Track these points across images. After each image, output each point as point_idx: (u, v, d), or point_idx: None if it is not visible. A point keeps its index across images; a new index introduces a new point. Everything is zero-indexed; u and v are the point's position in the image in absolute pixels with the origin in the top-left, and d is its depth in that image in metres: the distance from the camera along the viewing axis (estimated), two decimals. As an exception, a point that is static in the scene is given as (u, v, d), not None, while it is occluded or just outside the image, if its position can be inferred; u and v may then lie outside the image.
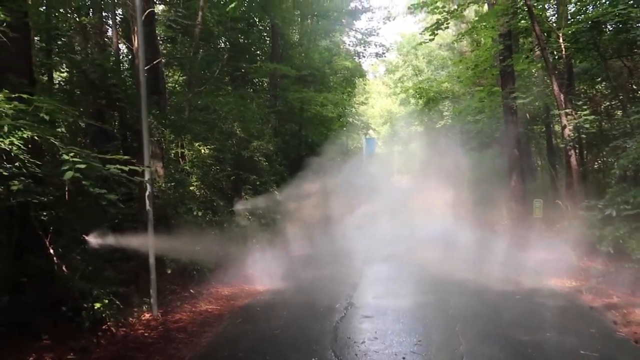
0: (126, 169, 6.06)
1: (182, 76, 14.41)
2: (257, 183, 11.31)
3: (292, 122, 19.64)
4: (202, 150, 10.54)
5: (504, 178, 17.67)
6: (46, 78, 10.46)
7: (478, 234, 13.70)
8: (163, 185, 9.39)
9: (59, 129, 7.62)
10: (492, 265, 9.81)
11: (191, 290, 8.23)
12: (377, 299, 7.78)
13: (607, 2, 13.28)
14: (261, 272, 9.64)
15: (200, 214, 8.85)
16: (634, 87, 14.68)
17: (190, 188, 9.91)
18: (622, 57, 14.31)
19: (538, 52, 16.69)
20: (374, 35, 23.22)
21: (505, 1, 14.34)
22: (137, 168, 6.46)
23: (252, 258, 9.98)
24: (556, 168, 17.44)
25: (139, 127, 7.41)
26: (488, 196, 18.46)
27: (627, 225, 9.95)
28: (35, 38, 10.58)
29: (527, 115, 16.86)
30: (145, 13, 9.50)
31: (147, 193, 7.01)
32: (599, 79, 15.30)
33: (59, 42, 10.55)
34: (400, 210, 20.87)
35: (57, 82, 11.04)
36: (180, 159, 10.71)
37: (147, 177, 6.91)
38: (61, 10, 11.40)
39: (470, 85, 22.64)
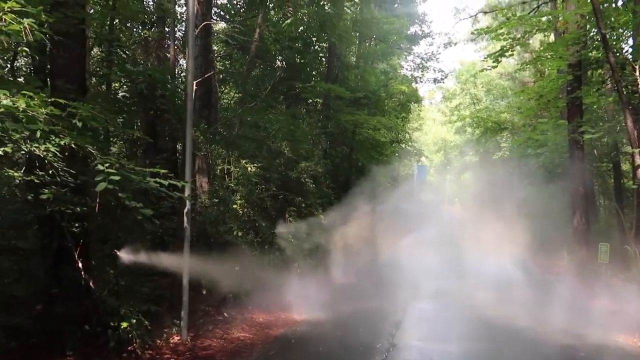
0: (165, 183, 5.81)
1: (237, 93, 14.35)
2: (303, 205, 10.92)
3: (343, 144, 19.24)
4: (249, 168, 10.25)
5: (565, 217, 16.55)
6: (104, 88, 10.54)
7: (536, 275, 12.79)
8: (207, 201, 9.15)
9: (100, 138, 7.45)
10: (552, 313, 8.95)
11: (225, 314, 7.84)
12: (422, 342, 7.13)
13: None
14: (300, 300, 9.16)
15: (240, 234, 8.51)
16: None
17: (234, 206, 9.62)
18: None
19: (609, 85, 15.71)
20: (432, 60, 22.67)
21: (576, 29, 13.54)
22: (177, 182, 6.19)
23: (291, 284, 9.52)
24: (623, 210, 16.21)
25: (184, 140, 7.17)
26: (547, 235, 17.34)
27: None
28: (96, 48, 10.77)
29: (595, 151, 15.77)
30: (200, 26, 9.41)
31: (185, 209, 6.72)
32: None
33: (121, 54, 10.64)
34: (450, 241, 20.02)
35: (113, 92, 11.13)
36: (226, 176, 10.46)
37: (186, 192, 6.61)
38: (127, 23, 11.60)
39: (532, 117, 21.68)
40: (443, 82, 25.13)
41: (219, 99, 13.98)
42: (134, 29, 12.63)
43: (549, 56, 16.48)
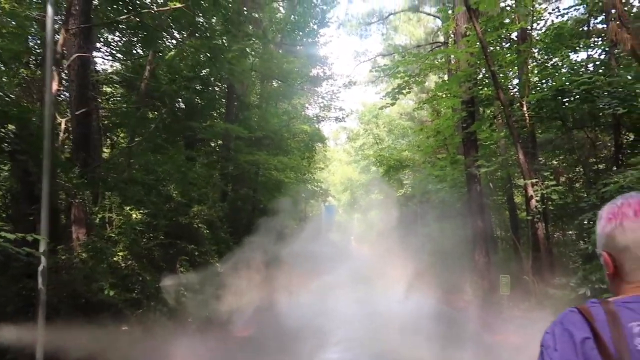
0: (11, 237, 4.81)
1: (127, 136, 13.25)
2: (196, 253, 9.96)
3: (245, 186, 18.53)
4: (133, 215, 9.20)
5: (467, 250, 16.79)
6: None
7: (442, 312, 12.57)
8: (85, 255, 7.99)
9: None
10: (462, 354, 8.60)
11: (99, 390, 6.66)
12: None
13: (572, 71, 13.10)
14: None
15: (112, 292, 7.39)
16: (596, 159, 14.35)
17: (114, 259, 8.50)
18: (585, 128, 14.07)
19: (500, 121, 16.42)
20: (335, 99, 22.83)
21: (467, 67, 14.02)
22: (28, 236, 5.18)
23: (182, 343, 8.47)
24: (520, 241, 16.74)
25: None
26: (450, 269, 17.48)
27: (604, 307, 8.99)
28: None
29: (491, 185, 16.27)
30: (72, 57, 8.45)
31: (40, 268, 5.60)
32: (561, 150, 14.99)
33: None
34: (358, 282, 19.65)
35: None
36: (108, 225, 9.32)
37: (41, 248, 5.54)
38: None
39: (431, 154, 22.31)
40: (345, 121, 25.35)
41: (105, 143, 12.81)
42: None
43: (443, 95, 17.06)
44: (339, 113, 22.78)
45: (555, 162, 15.47)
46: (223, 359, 8.62)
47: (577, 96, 11.66)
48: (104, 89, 13.85)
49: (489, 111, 17.02)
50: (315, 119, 21.45)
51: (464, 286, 15.06)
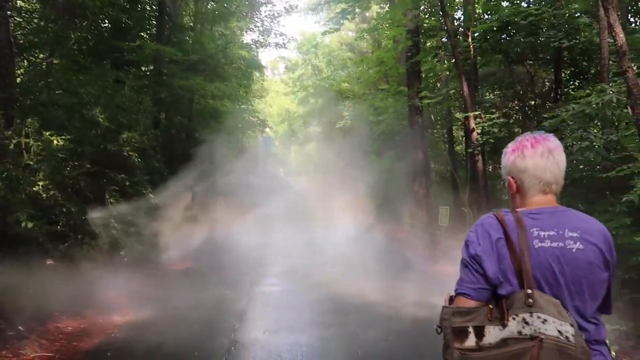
0: None
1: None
2: (127, 183, 9.25)
3: (180, 114, 17.53)
4: (55, 141, 8.30)
5: (406, 182, 16.93)
6: None
7: (381, 243, 12.67)
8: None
9: None
10: (401, 284, 8.65)
11: (20, 327, 6.11)
12: (269, 334, 6.16)
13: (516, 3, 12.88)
14: (124, 297, 7.69)
15: (30, 224, 6.69)
16: (534, 94, 14.51)
17: (34, 189, 7.69)
18: (526, 62, 14.06)
19: (444, 53, 16.19)
20: (274, 22, 21.61)
21: (414, -6, 13.49)
22: None
23: (114, 278, 7.97)
24: (457, 173, 17.04)
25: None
26: (389, 201, 17.65)
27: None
28: None
29: (432, 117, 16.21)
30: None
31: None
32: (501, 84, 15.01)
33: None
34: (297, 214, 19.55)
35: None
36: (25, 152, 8.38)
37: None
38: None
39: (372, 86, 22.01)
40: (285, 47, 24.27)
41: (21, 63, 11.44)
42: None
43: (386, 25, 16.51)
44: (279, 39, 21.71)
45: (495, 96, 15.52)
46: (159, 294, 8.20)
47: (522, 29, 11.51)
48: (17, 3, 12.26)
49: (430, 43, 16.70)
50: (253, 45, 20.29)
51: (403, 217, 15.25)
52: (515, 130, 14.14)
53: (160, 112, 14.58)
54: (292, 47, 38.58)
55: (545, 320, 1.56)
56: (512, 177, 1.89)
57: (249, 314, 7.12)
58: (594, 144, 8.27)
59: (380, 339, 5.82)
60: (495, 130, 12.25)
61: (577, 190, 9.11)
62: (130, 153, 9.22)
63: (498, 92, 15.43)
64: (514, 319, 1.59)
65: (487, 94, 15.81)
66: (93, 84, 9.72)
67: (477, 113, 12.28)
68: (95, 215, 8.36)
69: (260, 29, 20.95)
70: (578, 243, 1.70)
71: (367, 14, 26.11)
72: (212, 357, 5.37)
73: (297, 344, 5.71)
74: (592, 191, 8.69)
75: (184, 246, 11.18)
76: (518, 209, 1.82)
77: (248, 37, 22.66)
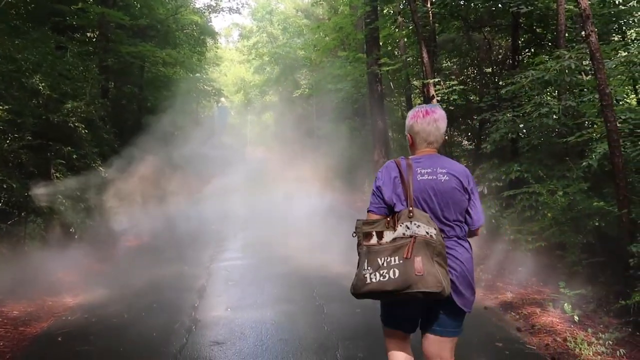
0: None
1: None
2: (74, 156, 8.68)
3: (130, 83, 16.72)
4: (-9, 112, 7.66)
5: (365, 151, 16.86)
6: None
7: (340, 213, 12.58)
8: None
9: None
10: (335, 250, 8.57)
11: (-39, 313, 5.68)
12: (231, 312, 5.93)
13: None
14: (75, 276, 7.29)
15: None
16: (491, 61, 14.52)
17: (-31, 163, 7.11)
18: (484, 29, 13.99)
19: (402, 20, 15.96)
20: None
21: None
22: None
23: (64, 257, 7.54)
24: (415, 142, 17.06)
25: None
26: (348, 170, 17.56)
27: (498, 203, 9.41)
28: None
29: (391, 84, 16.06)
30: None
31: None
32: (459, 51, 14.94)
33: None
34: (255, 185, 19.28)
35: None
36: (-41, 123, 7.72)
37: None
38: None
39: (329, 54, 21.64)
40: (240, 12, 23.63)
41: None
42: None
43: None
44: (232, 3, 20.90)
45: (452, 63, 15.47)
46: (113, 272, 7.83)
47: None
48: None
49: (388, 9, 16.41)
50: (205, 10, 19.41)
51: (362, 187, 15.20)
52: (472, 98, 14.19)
53: (108, 80, 13.82)
54: (246, 14, 37.60)
55: (419, 225, 2.48)
56: (410, 135, 2.87)
57: (210, 290, 6.85)
58: (552, 110, 8.33)
59: (347, 313, 5.71)
60: (455, 97, 12.20)
61: (536, 155, 9.20)
62: (76, 124, 8.63)
63: (456, 60, 15.38)
64: (400, 226, 2.51)
65: (445, 61, 15.74)
66: (32, 49, 9.00)
67: (436, 80, 12.18)
68: (39, 191, 7.84)
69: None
70: (445, 176, 2.65)
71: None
72: (172, 336, 5.11)
73: (262, 321, 5.52)
74: (550, 157, 8.77)
75: (138, 221, 10.73)
76: (410, 157, 2.79)
77: (200, 2, 21.66)
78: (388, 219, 2.57)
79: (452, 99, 12.31)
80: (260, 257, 8.93)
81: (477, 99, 13.46)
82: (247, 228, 12.04)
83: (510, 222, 8.34)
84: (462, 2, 12.67)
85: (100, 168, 9.45)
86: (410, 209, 2.53)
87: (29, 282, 6.66)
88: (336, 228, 9.44)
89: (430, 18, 12.94)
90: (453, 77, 13.07)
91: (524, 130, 9.93)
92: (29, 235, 7.45)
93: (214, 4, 18.99)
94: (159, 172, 14.55)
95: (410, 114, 2.87)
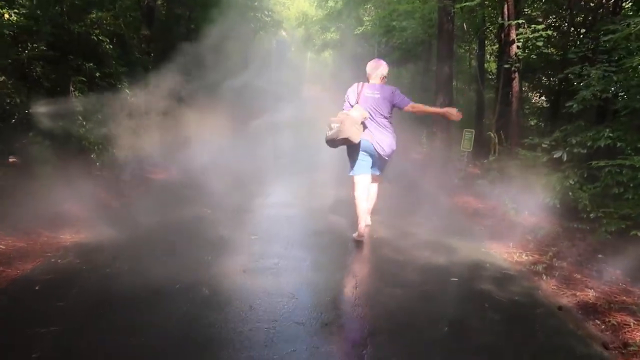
0: None
1: None
2: (97, 74, 7.71)
3: (181, 4, 15.50)
4: (6, 15, 6.72)
5: (427, 98, 15.24)
6: None
7: (394, 164, 11.22)
8: None
9: None
10: (415, 217, 7.35)
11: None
12: (245, 275, 4.95)
13: None
14: (83, 210, 6.44)
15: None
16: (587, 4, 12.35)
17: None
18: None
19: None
20: None
21: None
22: None
23: (75, 186, 6.71)
24: (483, 96, 15.29)
25: None
26: (405, 116, 16.01)
27: (579, 173, 7.90)
28: None
29: (465, 25, 14.14)
30: None
31: None
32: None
33: None
34: (304, 125, 18.03)
35: None
36: (-29, 26, 6.82)
37: None
38: None
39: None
40: None
41: None
42: None
43: None
44: None
45: (535, 7, 13.32)
46: (126, 208, 6.98)
47: None
48: None
49: None
50: None
51: (420, 137, 13.73)
52: (552, 50, 12.20)
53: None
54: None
55: (357, 111, 5.63)
56: (367, 73, 5.91)
57: (230, 244, 5.84)
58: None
59: (384, 291, 4.58)
60: (540, 44, 10.37)
61: (634, 121, 7.58)
62: (100, 38, 7.60)
63: (542, 2, 13.21)
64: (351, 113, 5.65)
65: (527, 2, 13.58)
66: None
67: (520, 21, 10.38)
68: (54, 109, 6.95)
69: None
70: (377, 94, 5.75)
71: None
72: (165, 303, 4.16)
73: (278, 293, 4.48)
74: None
75: (170, 154, 9.85)
76: (365, 83, 5.87)
77: None
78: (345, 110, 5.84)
79: (536, 45, 10.49)
80: (294, 208, 7.85)
81: (558, 51, 11.50)
82: (287, 171, 10.92)
83: (591, 199, 6.89)
84: None
85: (127, 90, 8.46)
86: (356, 105, 5.73)
87: (28, 212, 5.85)
88: (386, 181, 8.25)
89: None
90: (540, 20, 11.17)
91: (622, 91, 8.32)
92: (38, 159, 6.62)
93: None
94: (202, 102, 13.61)
95: (370, 62, 6.09)
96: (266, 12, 25.49)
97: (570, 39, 11.74)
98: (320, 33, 40.99)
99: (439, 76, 12.81)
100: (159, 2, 13.90)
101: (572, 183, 7.72)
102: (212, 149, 11.35)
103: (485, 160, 10.74)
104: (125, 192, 7.76)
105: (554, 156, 8.35)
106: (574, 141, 8.21)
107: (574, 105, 8.31)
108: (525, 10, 13.14)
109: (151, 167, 9.24)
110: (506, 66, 10.47)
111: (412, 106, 5.79)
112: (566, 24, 12.16)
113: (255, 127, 17.19)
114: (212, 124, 13.00)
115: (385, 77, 5.85)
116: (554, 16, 12.85)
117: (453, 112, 6.04)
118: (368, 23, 23.32)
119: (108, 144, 7.99)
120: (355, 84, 5.86)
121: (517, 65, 10.24)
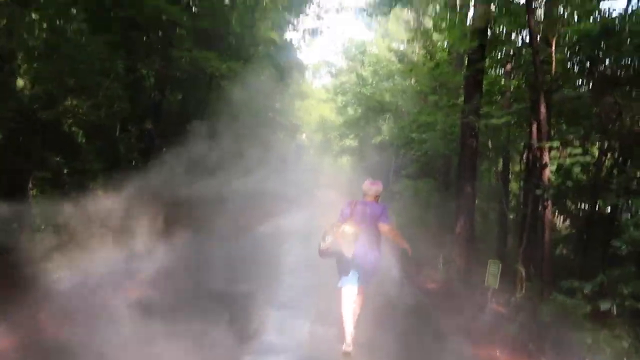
0: None
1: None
2: (66, 170, 6.60)
3: (194, 97, 14.88)
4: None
5: (445, 219, 13.95)
6: None
7: (407, 294, 9.63)
8: None
9: None
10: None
11: None
12: None
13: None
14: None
15: None
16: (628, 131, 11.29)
17: None
18: (616, 91, 10.88)
19: (510, 67, 13.17)
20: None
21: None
22: None
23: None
24: (507, 219, 13.98)
25: None
26: (421, 238, 14.55)
27: (633, 334, 6.40)
28: None
29: (490, 143, 13.16)
30: None
31: None
32: (585, 114, 11.81)
33: None
34: (314, 233, 16.54)
35: None
36: None
37: None
38: None
39: (416, 104, 19.29)
40: (321, 34, 21.29)
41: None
42: None
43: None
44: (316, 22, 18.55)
45: (573, 129, 12.27)
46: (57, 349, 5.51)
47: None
48: None
49: (494, 52, 13.54)
50: (285, 22, 17.22)
51: (435, 262, 12.22)
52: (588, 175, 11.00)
53: (163, 90, 11.97)
54: (338, 52, 36.14)
55: (349, 226, 5.98)
56: (363, 190, 6.44)
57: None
58: None
59: None
60: (577, 170, 9.16)
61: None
62: (72, 129, 6.59)
63: (578, 125, 12.14)
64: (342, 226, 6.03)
65: (562, 124, 12.60)
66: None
67: (555, 144, 9.31)
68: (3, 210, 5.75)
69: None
70: (368, 210, 6.14)
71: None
72: None
73: None
74: None
75: (149, 263, 8.42)
76: (360, 200, 6.37)
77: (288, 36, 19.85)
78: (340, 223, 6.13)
79: (574, 171, 9.29)
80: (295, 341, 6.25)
81: (589, 177, 10.28)
82: (288, 295, 9.20)
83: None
84: (600, 48, 9.87)
85: (100, 191, 7.26)
86: (351, 220, 6.08)
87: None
88: (396, 316, 6.73)
89: (553, 65, 10.16)
90: (578, 145, 10.13)
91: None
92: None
93: (293, 21, 16.83)
94: (205, 205, 12.54)
95: (365, 182, 6.58)
96: (286, 117, 25.29)
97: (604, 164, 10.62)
98: (338, 139, 41.15)
99: (460, 195, 11.60)
100: (171, 99, 13.26)
101: (627, 347, 6.23)
102: (204, 258, 9.93)
103: (513, 298, 9.21)
104: (95, 316, 6.22)
105: (601, 308, 6.90)
106: (625, 291, 6.79)
107: (622, 247, 6.98)
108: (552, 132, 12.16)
109: (126, 280, 7.72)
110: (538, 192, 9.24)
111: (389, 229, 6.14)
112: (599, 150, 11.07)
113: (258, 233, 15.87)
114: (208, 231, 11.75)
115: (378, 195, 6.37)
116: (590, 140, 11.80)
117: (409, 250, 6.49)
118: (387, 133, 22.82)
119: (69, 255, 6.63)
120: (349, 201, 6.40)
121: (551, 192, 9.00)
